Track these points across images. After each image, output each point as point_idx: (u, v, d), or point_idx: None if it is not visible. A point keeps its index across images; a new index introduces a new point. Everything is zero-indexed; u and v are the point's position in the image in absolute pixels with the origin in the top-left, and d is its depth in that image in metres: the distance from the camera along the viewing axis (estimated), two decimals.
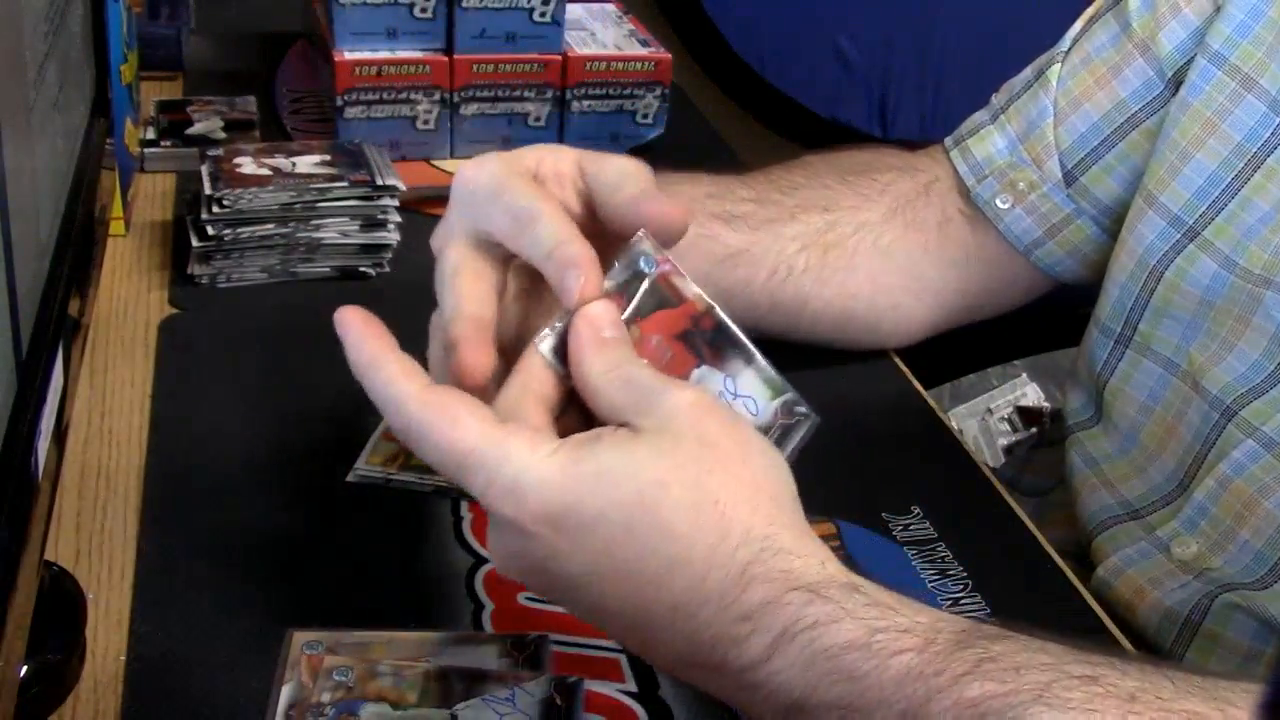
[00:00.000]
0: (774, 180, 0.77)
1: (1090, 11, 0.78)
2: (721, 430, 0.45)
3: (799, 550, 0.44)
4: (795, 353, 0.79)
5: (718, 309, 0.51)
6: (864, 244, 0.76)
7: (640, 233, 0.51)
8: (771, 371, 0.51)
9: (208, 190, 0.79)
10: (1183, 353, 0.68)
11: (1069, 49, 0.77)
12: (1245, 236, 0.66)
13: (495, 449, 0.44)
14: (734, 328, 0.51)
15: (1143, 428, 0.71)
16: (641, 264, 0.50)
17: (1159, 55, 0.72)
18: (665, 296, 0.50)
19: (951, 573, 0.63)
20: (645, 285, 0.50)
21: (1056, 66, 0.77)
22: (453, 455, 0.44)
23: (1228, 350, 0.66)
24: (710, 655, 0.44)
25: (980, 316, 0.81)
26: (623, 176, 0.53)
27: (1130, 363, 0.71)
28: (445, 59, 0.95)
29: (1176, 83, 0.71)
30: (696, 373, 0.50)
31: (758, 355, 0.51)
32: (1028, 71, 0.80)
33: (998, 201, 0.77)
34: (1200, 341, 0.67)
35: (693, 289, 0.51)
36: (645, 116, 1.02)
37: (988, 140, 0.78)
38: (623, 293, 0.50)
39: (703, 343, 0.50)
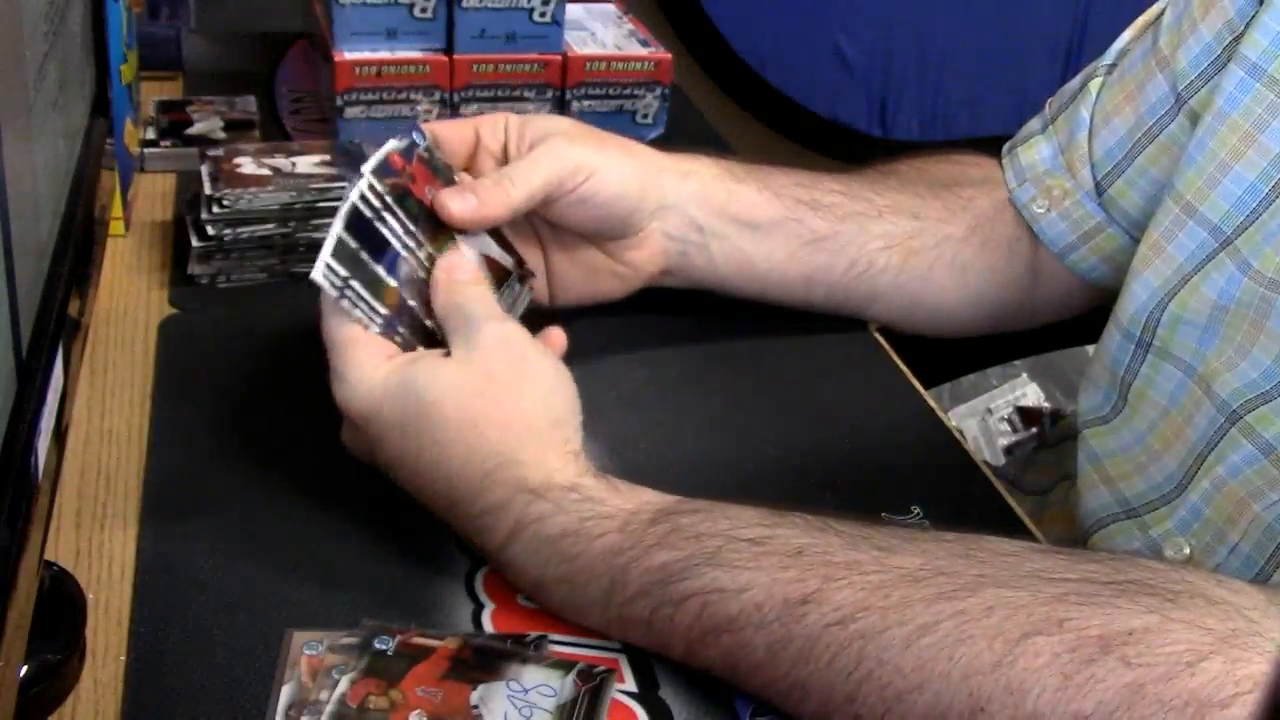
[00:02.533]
0: (866, 179, 0.80)
1: (1138, 24, 0.79)
2: (506, 365, 0.58)
3: (533, 463, 0.56)
4: (795, 353, 0.80)
5: (472, 639, 0.55)
6: (943, 258, 0.80)
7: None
8: (549, 658, 0.55)
9: (208, 190, 0.79)
10: (1201, 358, 0.68)
11: (1112, 61, 0.79)
12: (1264, 241, 0.66)
13: (349, 353, 0.59)
14: (495, 643, 0.55)
15: (1156, 428, 0.72)
16: (378, 643, 0.54)
17: (1175, 71, 0.73)
18: (411, 656, 0.53)
19: None
20: (384, 658, 0.53)
21: (1099, 79, 0.79)
22: (330, 342, 0.60)
23: (1241, 356, 0.66)
24: (475, 538, 0.58)
25: (1017, 325, 0.85)
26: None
27: (1152, 367, 0.72)
28: (445, 59, 0.95)
29: (1186, 99, 0.72)
30: (475, 694, 0.52)
31: (530, 650, 0.55)
32: (1076, 81, 0.82)
33: (1035, 206, 0.80)
34: (1216, 347, 0.67)
35: (434, 634, 0.55)
36: (645, 116, 1.02)
37: (1035, 148, 0.81)
38: (368, 675, 0.52)
39: (469, 669, 0.53)
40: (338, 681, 0.52)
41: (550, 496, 0.56)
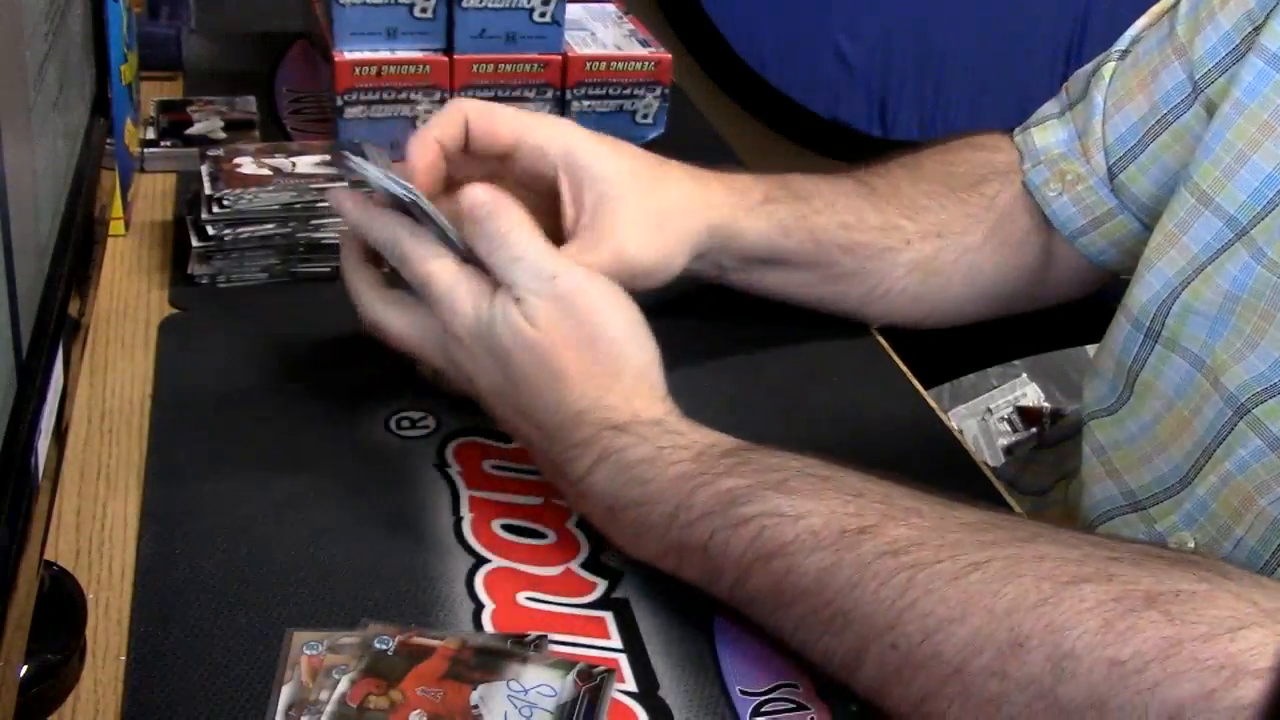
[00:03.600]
0: (901, 197, 0.80)
1: (1155, 10, 0.79)
2: (583, 315, 0.61)
3: (619, 405, 0.60)
4: (795, 353, 0.80)
5: (472, 640, 0.55)
6: (960, 269, 0.81)
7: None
8: (549, 658, 0.55)
9: (208, 190, 0.79)
10: (1209, 349, 0.68)
11: (1126, 47, 0.79)
12: (1279, 230, 0.66)
13: (458, 285, 0.62)
14: (495, 643, 0.55)
15: (1162, 420, 0.72)
16: (377, 643, 0.54)
17: (1193, 59, 0.73)
18: (411, 656, 0.53)
19: None
20: (384, 658, 0.53)
21: (1112, 64, 0.79)
22: (427, 272, 0.63)
23: (1250, 348, 0.66)
24: (561, 467, 0.61)
25: (1032, 306, 0.85)
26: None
27: (1160, 358, 0.72)
28: (445, 59, 0.95)
29: (1203, 88, 0.72)
30: (475, 694, 0.52)
31: (530, 650, 0.55)
32: (1090, 66, 0.82)
33: (1047, 189, 0.80)
34: (1225, 339, 0.67)
35: (434, 634, 0.55)
36: (645, 116, 1.02)
37: (1050, 132, 0.81)
38: (368, 674, 0.52)
39: (470, 669, 0.53)
40: (338, 681, 0.52)
41: (634, 430, 0.59)
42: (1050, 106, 0.83)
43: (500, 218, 0.62)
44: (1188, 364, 0.70)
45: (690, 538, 0.55)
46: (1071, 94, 0.82)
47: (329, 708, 0.51)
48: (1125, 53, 0.79)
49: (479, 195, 0.62)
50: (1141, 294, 0.73)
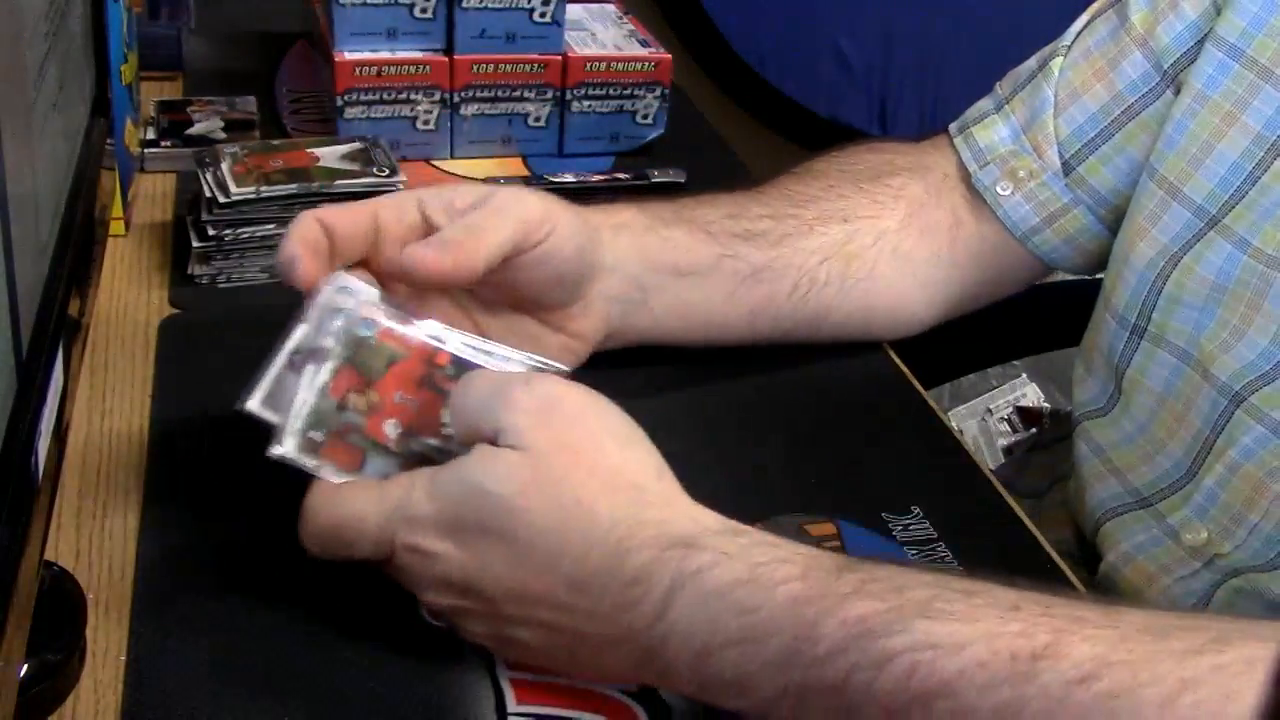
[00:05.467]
0: (789, 194, 0.77)
1: (1095, 7, 0.79)
2: (573, 433, 0.50)
3: (668, 516, 0.49)
4: (795, 353, 0.79)
5: (448, 340, 0.53)
6: (884, 253, 0.77)
7: (336, 287, 0.55)
8: (517, 357, 0.54)
9: (208, 191, 0.79)
10: (1195, 342, 0.69)
11: (1071, 42, 0.78)
12: (1261, 218, 0.66)
13: (379, 504, 0.51)
14: (469, 351, 0.53)
15: (1156, 418, 0.72)
16: (361, 330, 0.51)
17: (1157, 49, 0.73)
18: (392, 351, 0.51)
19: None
20: (375, 350, 0.51)
21: (1059, 59, 0.78)
22: (328, 512, 0.52)
23: (1238, 338, 0.66)
24: (617, 626, 0.48)
25: (980, 305, 0.82)
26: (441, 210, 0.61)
27: (1145, 354, 0.72)
28: (445, 59, 0.95)
29: (1173, 75, 0.72)
30: (446, 413, 0.52)
31: (501, 355, 0.53)
32: (1032, 61, 0.81)
33: (998, 188, 0.78)
34: (1211, 330, 0.68)
35: (418, 333, 0.53)
36: (645, 116, 1.02)
37: (992, 128, 0.79)
38: (356, 363, 0.51)
39: (445, 378, 0.52)
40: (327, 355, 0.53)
41: (708, 544, 0.48)
42: (985, 103, 0.82)
43: (465, 377, 0.53)
44: (1175, 358, 0.70)
45: (818, 679, 0.45)
46: (1006, 89, 0.81)
47: (311, 399, 0.51)
48: (1070, 46, 0.78)
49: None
50: (1122, 291, 0.73)
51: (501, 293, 0.65)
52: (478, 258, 0.58)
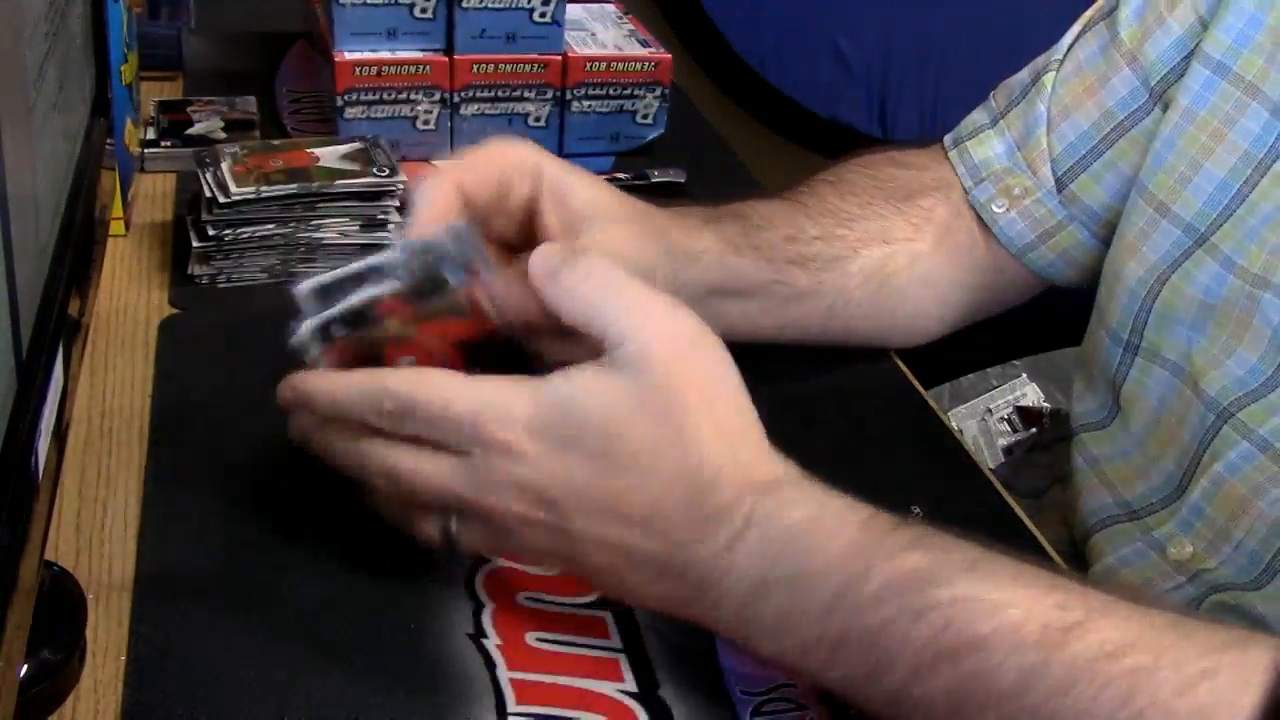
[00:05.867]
0: (834, 211, 0.77)
1: (1086, 17, 0.79)
2: (693, 370, 0.50)
3: (754, 459, 0.51)
4: (795, 353, 0.79)
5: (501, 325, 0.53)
6: (915, 276, 0.78)
7: (454, 232, 0.54)
8: None
9: (208, 191, 0.79)
10: (1188, 358, 0.69)
11: (1063, 56, 0.78)
12: (1246, 238, 0.66)
13: (472, 390, 0.50)
14: (522, 353, 0.53)
15: (1151, 432, 0.72)
16: (450, 273, 0.50)
17: (1145, 65, 0.73)
18: (459, 306, 0.51)
19: None
20: (445, 296, 0.51)
21: (1052, 73, 0.78)
22: (451, 416, 0.50)
23: (1227, 354, 0.66)
24: (684, 553, 0.50)
25: (980, 318, 0.83)
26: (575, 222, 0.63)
27: (1141, 370, 0.72)
28: (445, 59, 0.95)
29: (1160, 92, 0.72)
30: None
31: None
32: (1025, 75, 0.80)
33: (994, 206, 0.78)
34: (1201, 345, 0.68)
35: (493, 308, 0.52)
36: (645, 116, 1.02)
37: (987, 144, 0.80)
38: (418, 296, 0.51)
39: (482, 358, 0.51)
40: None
41: (784, 491, 0.50)
42: (980, 116, 0.82)
43: (589, 259, 0.52)
44: (1169, 374, 0.70)
45: (856, 625, 0.47)
46: (1000, 103, 0.81)
47: (355, 301, 0.51)
48: (1062, 60, 0.78)
49: (549, 249, 0.53)
50: (1114, 309, 0.73)
51: None
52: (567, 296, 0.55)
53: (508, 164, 0.63)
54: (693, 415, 0.50)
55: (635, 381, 0.49)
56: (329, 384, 0.53)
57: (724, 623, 0.51)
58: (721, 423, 0.51)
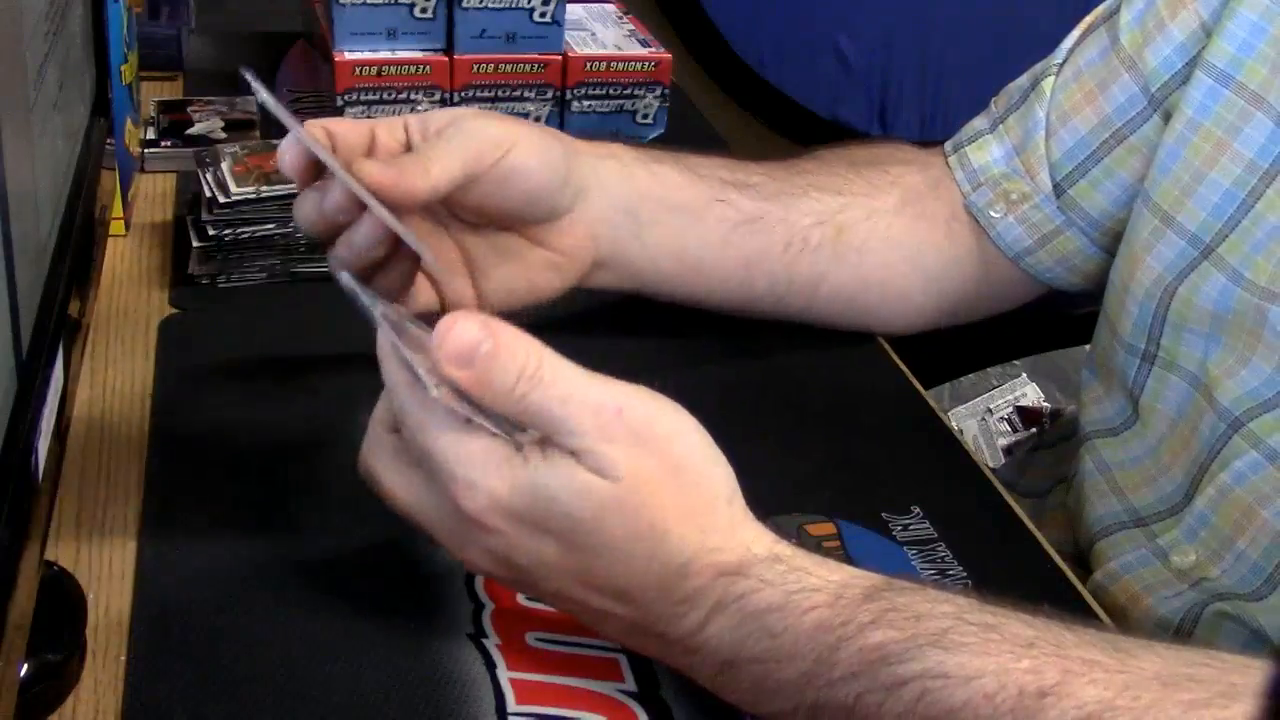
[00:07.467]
0: (786, 164, 0.78)
1: (1087, 21, 0.78)
2: (663, 448, 0.50)
3: (727, 544, 0.50)
4: (795, 351, 0.80)
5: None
6: (876, 230, 0.77)
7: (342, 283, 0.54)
8: None
9: (208, 191, 0.79)
10: (1204, 367, 0.68)
11: (1063, 61, 0.78)
12: (1253, 250, 0.66)
13: (460, 459, 0.49)
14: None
15: (1166, 441, 0.71)
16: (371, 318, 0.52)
17: (1144, 72, 0.72)
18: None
19: (951, 573, 0.63)
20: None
21: (1051, 78, 0.78)
22: (442, 450, 0.50)
23: (1242, 364, 0.66)
24: (654, 628, 0.51)
25: (978, 316, 0.82)
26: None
27: (1158, 379, 0.71)
28: (445, 59, 0.95)
29: (1161, 100, 0.72)
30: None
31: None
32: (1024, 80, 0.80)
33: (991, 211, 0.78)
34: (1218, 355, 0.68)
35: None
36: (645, 116, 1.02)
37: (985, 149, 0.79)
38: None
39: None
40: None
41: (752, 572, 0.50)
42: (980, 121, 0.81)
43: (515, 351, 0.48)
44: (1185, 384, 0.70)
45: (831, 699, 0.48)
46: (1000, 107, 0.81)
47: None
48: (1062, 65, 0.78)
49: (467, 332, 0.48)
50: (1126, 320, 0.73)
51: (480, 213, 0.67)
52: (421, 180, 0.59)
53: (378, 121, 0.64)
54: (661, 512, 0.49)
55: (603, 485, 0.49)
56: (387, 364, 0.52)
57: (702, 682, 0.52)
58: (690, 508, 0.50)
